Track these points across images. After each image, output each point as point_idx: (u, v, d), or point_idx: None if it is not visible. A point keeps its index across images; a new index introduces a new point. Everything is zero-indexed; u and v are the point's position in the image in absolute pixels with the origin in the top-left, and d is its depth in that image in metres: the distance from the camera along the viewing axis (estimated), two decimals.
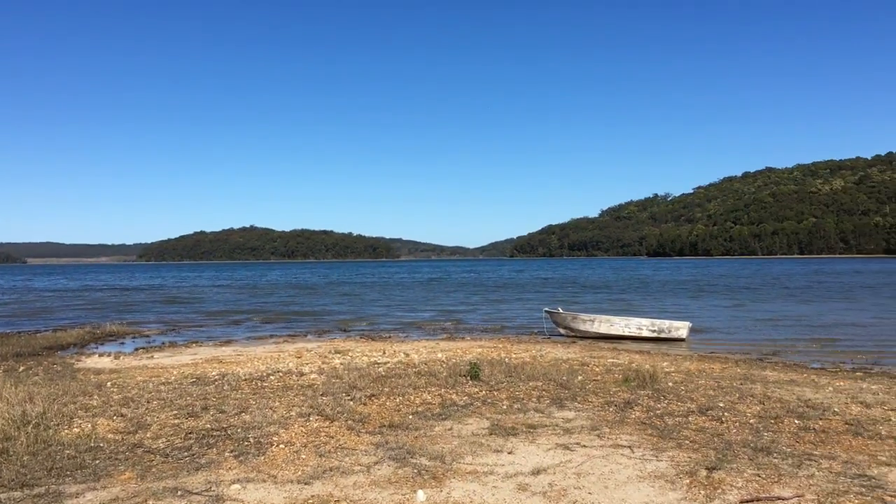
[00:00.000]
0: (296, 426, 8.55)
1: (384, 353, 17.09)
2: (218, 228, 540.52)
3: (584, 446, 7.66)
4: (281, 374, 13.04)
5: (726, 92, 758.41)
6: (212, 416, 9.20)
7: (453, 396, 10.46)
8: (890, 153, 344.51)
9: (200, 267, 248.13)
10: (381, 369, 13.45)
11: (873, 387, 11.96)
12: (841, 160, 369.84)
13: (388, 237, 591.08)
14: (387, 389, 10.97)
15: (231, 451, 7.51)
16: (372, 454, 7.36)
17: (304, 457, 7.29)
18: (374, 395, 10.45)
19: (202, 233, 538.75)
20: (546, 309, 24.36)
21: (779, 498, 5.93)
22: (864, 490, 6.09)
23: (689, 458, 7.13)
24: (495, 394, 10.70)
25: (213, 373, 13.39)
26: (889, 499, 5.89)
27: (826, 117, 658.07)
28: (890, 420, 9.00)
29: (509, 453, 7.42)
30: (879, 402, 10.25)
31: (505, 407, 9.79)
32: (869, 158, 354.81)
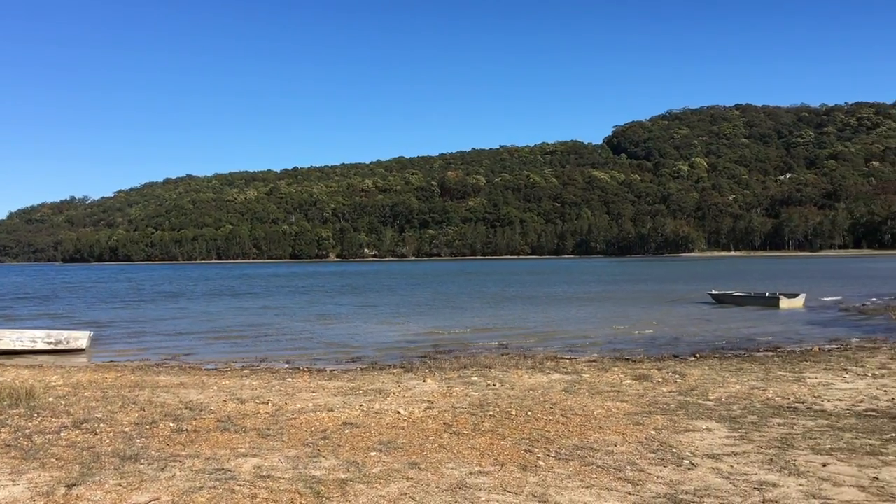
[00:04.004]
0: None
1: None
2: None
3: None
4: None
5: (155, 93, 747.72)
6: None
7: None
8: (296, 167, 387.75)
9: None
10: None
11: (254, 383, 13.06)
12: (255, 171, 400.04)
13: None
14: None
15: None
16: None
17: None
18: None
19: None
20: None
21: None
22: (218, 483, 6.54)
23: (52, 476, 6.76)
24: None
25: None
26: (238, 487, 6.42)
27: (243, 131, 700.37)
28: (258, 413, 9.90)
29: None
30: (254, 398, 11.22)
31: None
32: (279, 171, 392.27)
